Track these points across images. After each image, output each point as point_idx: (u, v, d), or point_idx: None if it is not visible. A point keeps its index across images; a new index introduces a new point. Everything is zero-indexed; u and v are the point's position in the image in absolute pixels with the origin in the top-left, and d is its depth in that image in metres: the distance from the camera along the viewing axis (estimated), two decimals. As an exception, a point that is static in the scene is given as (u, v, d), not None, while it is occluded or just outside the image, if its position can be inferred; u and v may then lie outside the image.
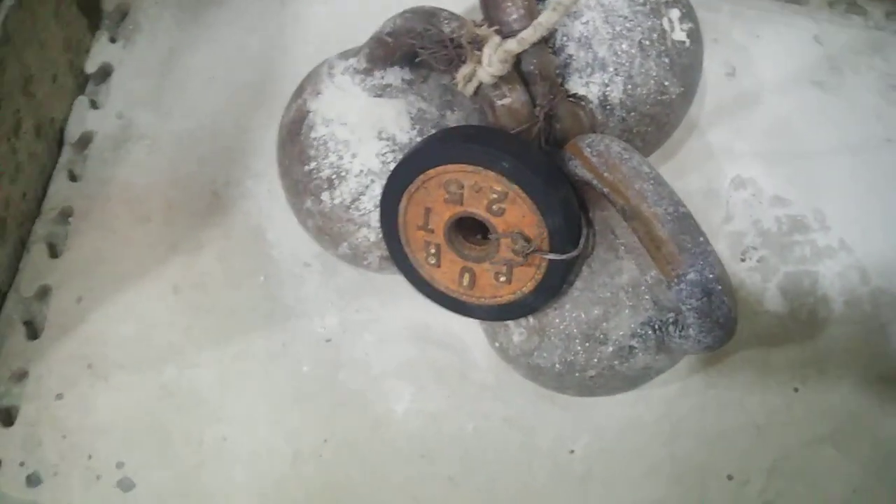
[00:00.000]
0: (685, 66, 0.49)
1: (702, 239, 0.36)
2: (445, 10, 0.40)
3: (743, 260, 0.57)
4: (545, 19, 0.34)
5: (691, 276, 0.36)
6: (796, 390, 0.54)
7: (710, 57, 0.63)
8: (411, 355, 0.53)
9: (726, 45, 0.65)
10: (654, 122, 0.49)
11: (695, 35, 0.50)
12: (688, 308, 0.37)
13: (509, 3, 0.40)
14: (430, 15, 0.40)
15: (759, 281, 0.57)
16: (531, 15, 0.40)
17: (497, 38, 0.37)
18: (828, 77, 0.65)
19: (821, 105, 0.64)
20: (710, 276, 0.36)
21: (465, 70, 0.38)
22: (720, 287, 0.36)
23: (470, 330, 0.52)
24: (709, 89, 0.63)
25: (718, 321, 0.37)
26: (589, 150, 0.39)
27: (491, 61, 0.36)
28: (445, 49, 0.39)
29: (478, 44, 0.37)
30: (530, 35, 0.35)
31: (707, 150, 0.61)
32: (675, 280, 0.36)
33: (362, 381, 0.52)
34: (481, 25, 0.39)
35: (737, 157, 0.61)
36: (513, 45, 0.36)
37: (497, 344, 0.47)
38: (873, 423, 0.53)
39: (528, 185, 0.38)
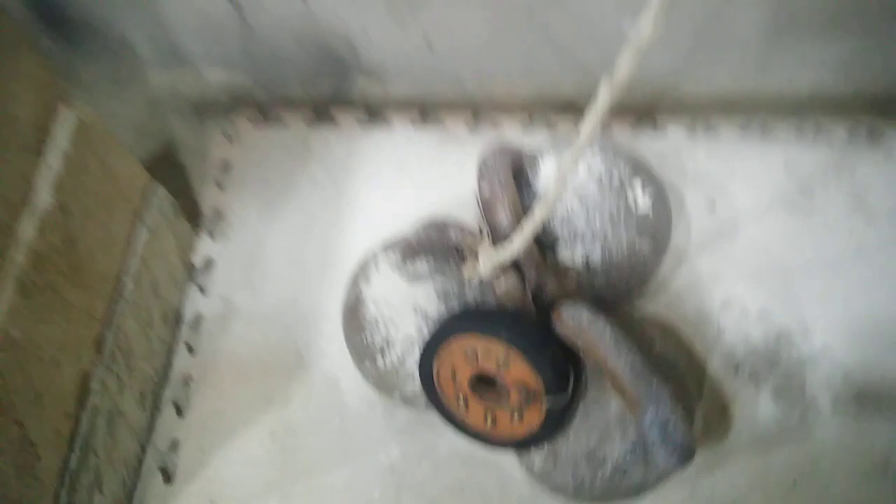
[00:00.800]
0: (651, 225, 0.62)
1: (654, 384, 0.48)
2: (453, 224, 0.55)
3: (735, 373, 0.67)
4: (521, 240, 0.48)
5: (648, 414, 0.47)
6: (794, 483, 0.63)
7: (692, 195, 0.76)
8: (460, 476, 0.65)
9: (705, 183, 0.77)
10: (633, 272, 0.61)
11: (658, 197, 0.63)
12: (651, 437, 0.48)
13: (501, 212, 0.54)
14: (442, 228, 0.54)
15: (752, 390, 0.66)
16: (517, 218, 0.54)
17: (488, 249, 0.51)
18: (800, 199, 0.76)
19: (795, 226, 0.74)
20: (663, 412, 0.47)
21: (467, 269, 0.52)
22: (672, 419, 0.47)
23: (505, 453, 0.64)
24: (693, 223, 0.75)
25: (676, 444, 0.48)
26: (566, 317, 0.51)
27: (485, 266, 0.50)
28: (455, 252, 0.53)
29: (474, 252, 0.51)
30: (515, 249, 0.49)
31: (696, 277, 0.72)
32: (638, 417, 0.48)
33: (422, 500, 0.64)
34: (480, 232, 0.53)
35: (723, 281, 0.71)
36: (503, 257, 0.50)
37: (524, 466, 0.59)
38: (866, 510, 0.61)
39: (523, 349, 0.51)
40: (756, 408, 0.66)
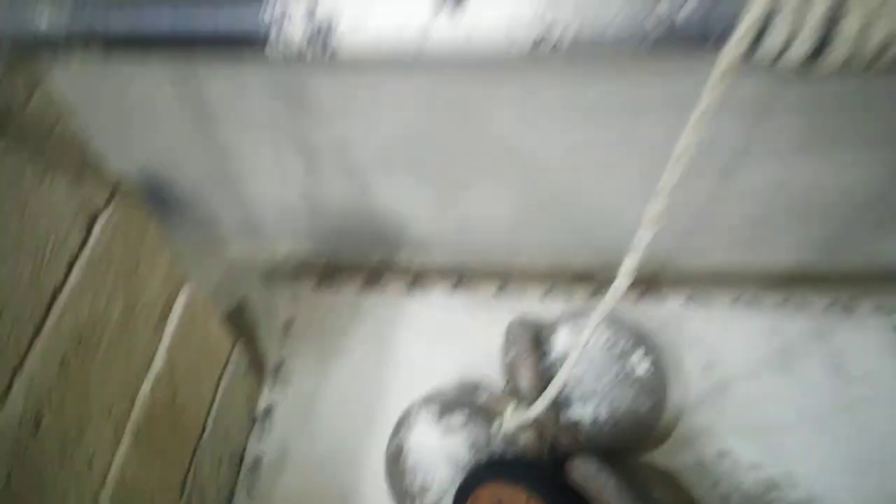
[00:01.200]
0: (651, 387, 0.73)
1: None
2: (483, 385, 0.67)
3: (732, 518, 0.76)
4: (542, 404, 0.59)
5: (647, 553, 0.56)
6: None
7: (690, 357, 0.87)
8: None
9: (701, 347, 0.89)
10: (635, 427, 0.72)
11: (657, 363, 0.75)
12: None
13: (524, 377, 0.66)
14: (473, 389, 0.66)
15: (747, 534, 0.75)
16: (537, 382, 0.66)
17: (513, 409, 0.62)
18: (784, 361, 0.87)
19: (782, 386, 0.85)
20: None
21: (495, 425, 0.63)
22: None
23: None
24: (691, 382, 0.86)
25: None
26: (577, 467, 0.62)
27: (509, 423, 0.61)
28: (484, 411, 0.65)
29: (501, 411, 0.63)
30: (537, 411, 0.60)
31: (693, 432, 0.82)
32: (639, 555, 0.57)
33: None
34: (505, 392, 0.65)
35: (718, 434, 0.81)
36: (527, 416, 0.61)
37: None
38: None
39: (541, 494, 0.61)
40: (752, 552, 0.74)
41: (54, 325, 0.51)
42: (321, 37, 0.30)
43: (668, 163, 0.41)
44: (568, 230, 0.94)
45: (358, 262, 1.02)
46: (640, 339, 0.75)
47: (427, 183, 0.89)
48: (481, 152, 0.84)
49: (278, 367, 0.93)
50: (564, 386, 0.70)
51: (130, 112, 0.63)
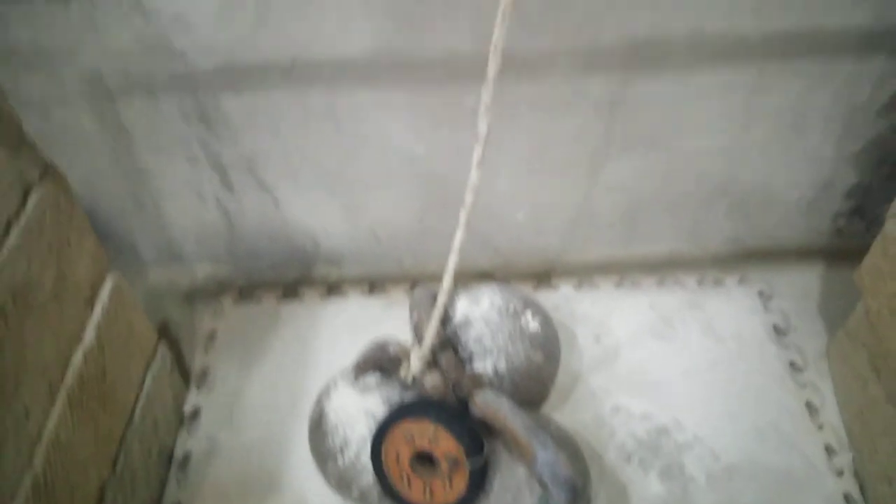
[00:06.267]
0: (542, 341, 0.82)
1: (541, 434, 0.65)
2: (392, 341, 0.75)
3: (628, 462, 0.84)
4: (429, 335, 0.68)
5: (539, 458, 0.64)
6: (682, 545, 0.77)
7: (582, 331, 0.98)
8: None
9: (591, 323, 0.99)
10: (532, 378, 0.81)
11: (545, 322, 0.84)
12: (544, 478, 0.64)
13: (426, 330, 0.74)
14: (383, 345, 0.74)
15: (641, 474, 0.83)
16: (437, 333, 0.74)
17: (416, 351, 0.70)
18: (664, 330, 0.98)
19: (663, 349, 0.96)
20: (549, 455, 0.64)
21: (403, 369, 0.71)
22: (558, 459, 0.64)
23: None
24: (584, 352, 0.96)
25: (565, 481, 0.64)
26: (478, 399, 0.70)
27: (415, 365, 0.69)
28: (393, 362, 0.72)
29: (408, 356, 0.70)
30: (426, 345, 0.69)
31: (589, 392, 0.91)
32: (532, 464, 0.64)
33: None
34: (412, 344, 0.73)
35: (611, 393, 0.91)
36: (424, 350, 0.69)
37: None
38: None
39: (446, 424, 0.68)
40: (647, 488, 0.82)
41: (-6, 277, 0.56)
42: None
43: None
44: (468, 234, 1.05)
45: (276, 278, 1.09)
46: (529, 302, 0.85)
47: (335, 195, 0.99)
48: (381, 161, 0.94)
49: (203, 374, 0.97)
50: (466, 343, 0.79)
51: (51, 142, 0.69)
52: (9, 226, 0.59)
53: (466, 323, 0.80)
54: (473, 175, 0.57)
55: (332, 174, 0.95)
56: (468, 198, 0.59)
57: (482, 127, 0.48)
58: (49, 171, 0.65)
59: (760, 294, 1.03)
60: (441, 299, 0.64)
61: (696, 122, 0.90)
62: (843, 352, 0.89)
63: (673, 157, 0.95)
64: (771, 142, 0.93)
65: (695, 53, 0.83)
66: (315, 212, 1.01)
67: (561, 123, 0.90)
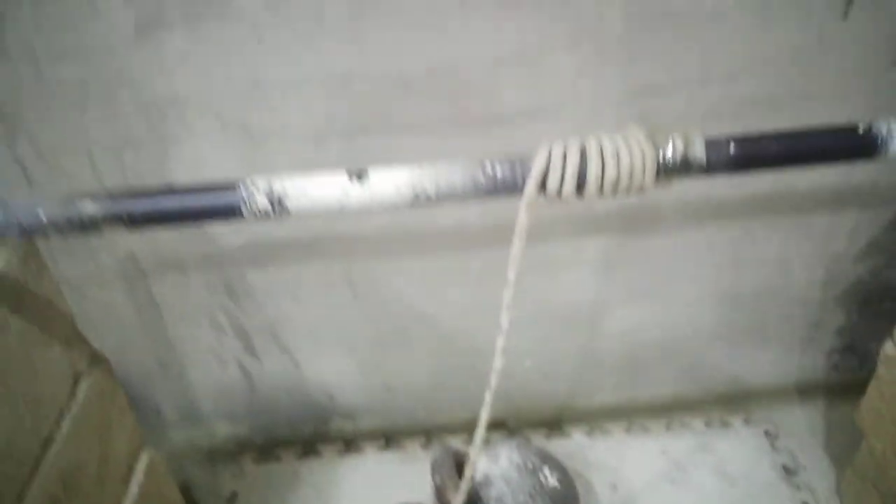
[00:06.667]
0: (562, 496, 0.84)
1: None
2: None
3: None
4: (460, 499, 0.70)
5: None
6: None
7: (598, 480, 0.99)
8: None
9: (605, 471, 1.01)
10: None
11: (563, 476, 0.87)
12: None
13: (450, 494, 0.77)
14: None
15: None
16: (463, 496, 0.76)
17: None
18: (678, 475, 1.00)
19: (679, 496, 0.97)
20: None
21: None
22: None
23: None
24: (602, 502, 0.97)
25: None
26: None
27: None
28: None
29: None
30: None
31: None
32: None
33: None
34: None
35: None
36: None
37: None
38: None
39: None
40: None
41: (47, 468, 0.60)
42: (277, 203, 0.47)
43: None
44: (478, 384, 1.09)
45: (293, 434, 1.11)
46: (546, 457, 0.88)
47: (352, 353, 1.04)
48: (394, 320, 1.00)
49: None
50: (487, 502, 0.81)
51: (84, 317, 0.74)
52: (60, 416, 0.63)
53: (487, 482, 0.83)
54: (500, 342, 0.61)
55: (349, 335, 1.01)
56: (497, 362, 0.63)
57: (511, 275, 0.52)
58: (96, 358, 0.70)
59: (767, 433, 1.05)
60: (468, 472, 0.68)
61: (688, 274, 0.97)
62: (854, 491, 0.91)
63: (669, 305, 1.01)
64: (760, 287, 0.99)
65: (682, 215, 0.91)
66: (332, 369, 1.05)
67: (562, 278, 0.96)
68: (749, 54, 0.75)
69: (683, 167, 0.48)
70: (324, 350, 1.03)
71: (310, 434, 1.11)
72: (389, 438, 1.11)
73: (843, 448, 0.92)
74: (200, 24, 0.71)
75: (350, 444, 1.10)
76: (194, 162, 0.80)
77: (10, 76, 0.73)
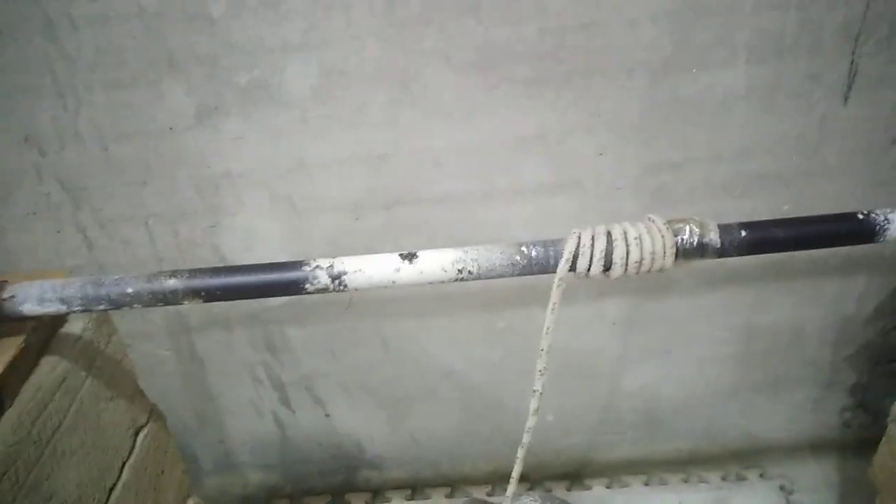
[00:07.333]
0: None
1: None
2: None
3: None
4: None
5: None
6: None
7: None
8: None
9: (625, 523, 1.05)
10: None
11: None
12: None
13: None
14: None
15: None
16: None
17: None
18: (696, 529, 1.03)
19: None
20: None
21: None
22: None
23: None
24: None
25: None
26: None
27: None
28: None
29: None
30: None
31: None
32: None
33: None
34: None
35: None
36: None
37: None
38: None
39: None
40: None
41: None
42: (338, 280, 0.53)
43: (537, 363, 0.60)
44: (501, 437, 1.13)
45: (323, 483, 1.15)
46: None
47: (381, 406, 1.08)
48: (423, 375, 1.05)
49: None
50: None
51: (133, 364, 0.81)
52: (123, 466, 0.68)
53: None
54: (533, 404, 0.66)
55: (379, 389, 1.06)
56: (529, 422, 0.67)
57: (544, 344, 0.56)
58: (153, 413, 0.75)
59: (782, 488, 1.08)
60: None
61: (703, 335, 1.02)
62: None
63: (685, 363, 1.06)
64: (773, 350, 1.04)
65: (697, 280, 0.96)
66: (362, 421, 1.10)
67: (583, 337, 1.01)
68: (756, 137, 0.81)
69: (699, 250, 0.54)
70: (355, 403, 1.08)
71: (339, 483, 1.16)
72: (415, 489, 1.14)
73: (857, 503, 0.95)
74: (254, 110, 0.78)
75: (377, 493, 1.14)
76: (244, 232, 0.87)
77: (80, 154, 0.80)
